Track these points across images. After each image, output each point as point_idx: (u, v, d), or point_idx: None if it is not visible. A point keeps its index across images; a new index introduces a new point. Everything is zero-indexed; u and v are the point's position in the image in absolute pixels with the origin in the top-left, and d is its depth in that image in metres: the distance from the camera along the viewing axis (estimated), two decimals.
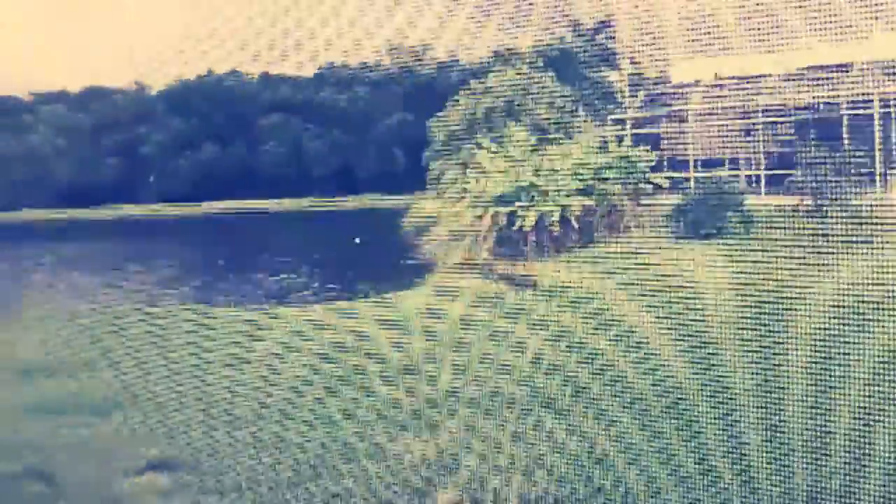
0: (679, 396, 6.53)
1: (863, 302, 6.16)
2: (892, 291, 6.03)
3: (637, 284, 7.97)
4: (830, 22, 6.76)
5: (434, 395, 7.21)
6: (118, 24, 10.85)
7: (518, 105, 10.19)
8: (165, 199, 11.99)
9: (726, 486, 5.92)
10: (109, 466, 6.60)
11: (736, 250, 7.91)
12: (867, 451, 5.66)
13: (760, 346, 6.44)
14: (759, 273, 7.35)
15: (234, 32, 10.52)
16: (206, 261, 11.00)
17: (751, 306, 7.06)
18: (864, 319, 6.13)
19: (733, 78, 9.34)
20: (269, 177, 11.81)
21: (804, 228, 7.01)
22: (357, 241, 9.49)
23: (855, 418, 5.79)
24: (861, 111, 8.27)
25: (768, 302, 6.99)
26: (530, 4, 9.42)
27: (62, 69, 12.03)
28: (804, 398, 6.04)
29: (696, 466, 6.14)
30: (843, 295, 6.32)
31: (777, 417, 6.19)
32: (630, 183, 9.50)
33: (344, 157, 11.76)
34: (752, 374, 6.59)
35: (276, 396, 7.34)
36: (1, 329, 9.58)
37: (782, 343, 6.60)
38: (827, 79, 8.39)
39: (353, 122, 11.82)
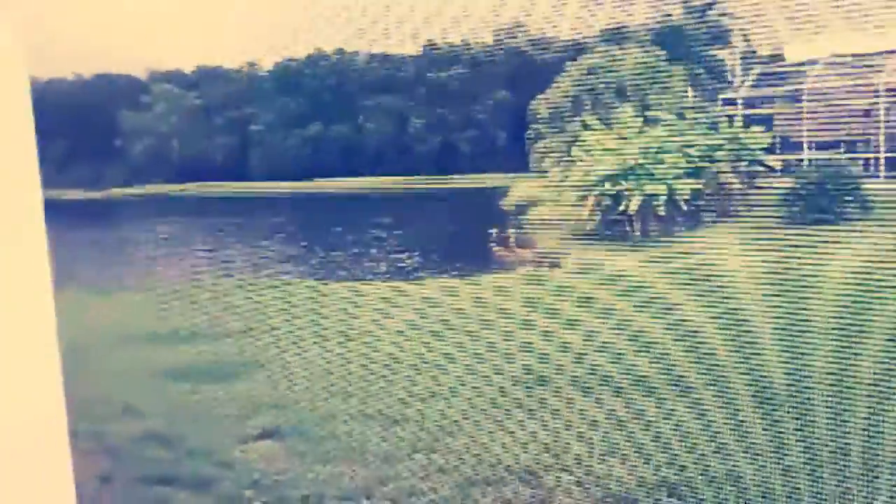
0: (795, 389, 6.37)
1: None
2: None
3: (747, 270, 7.79)
4: None
5: (531, 376, 7.22)
6: (228, 4, 11.14)
7: (626, 84, 10.04)
8: (274, 177, 12.32)
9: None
10: (226, 431, 6.87)
11: (852, 236, 7.63)
12: None
13: (882, 338, 6.22)
14: (877, 260, 7.09)
15: (341, 11, 10.66)
16: (318, 238, 11.25)
17: (869, 293, 6.83)
18: None
19: (851, 55, 8.97)
20: (373, 155, 11.99)
21: None
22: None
23: None
24: None
25: (888, 289, 6.74)
26: None
27: (176, 49, 12.46)
28: None
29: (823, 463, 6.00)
30: None
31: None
32: (741, 164, 9.26)
33: (447, 135, 11.83)
34: (872, 366, 6.37)
35: (397, 370, 7.50)
36: (127, 299, 10.04)
37: None
38: None
39: (457, 101, 11.86)
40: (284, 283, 9.94)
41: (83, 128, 12.49)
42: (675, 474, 6.02)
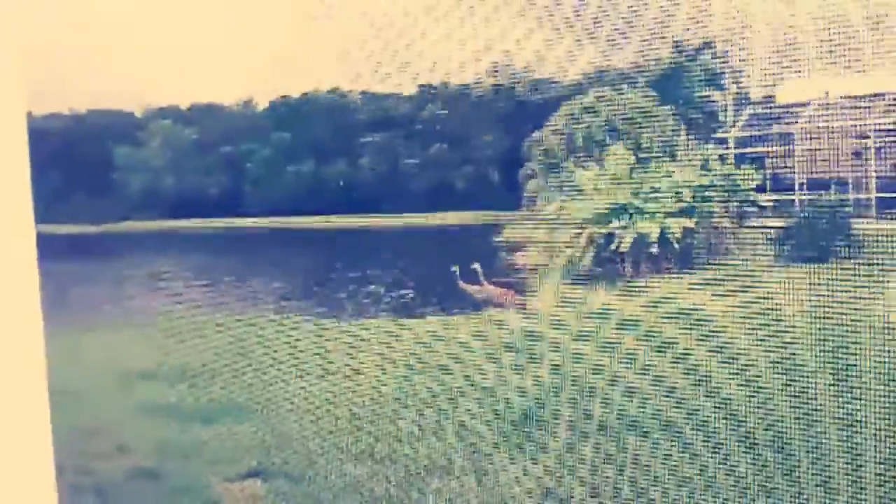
0: (783, 427, 6.35)
1: None
2: None
3: (739, 308, 7.81)
4: None
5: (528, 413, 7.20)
6: (226, 41, 11.25)
7: (618, 124, 10.11)
8: (268, 212, 12.35)
9: None
10: (210, 470, 6.85)
11: (843, 275, 7.65)
12: None
13: (871, 377, 6.19)
14: (867, 298, 7.08)
15: (337, 51, 10.76)
16: (314, 274, 11.27)
17: (857, 332, 6.82)
18: None
19: (842, 97, 9.06)
20: (367, 193, 12.03)
21: None
22: (455, 269, 9.60)
23: None
24: None
25: (878, 328, 6.74)
26: (630, 24, 9.35)
27: (172, 85, 12.56)
28: None
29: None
30: None
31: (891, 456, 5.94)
32: (733, 203, 9.30)
33: (441, 174, 11.89)
34: (863, 406, 6.35)
35: (385, 407, 7.49)
36: (117, 336, 10.03)
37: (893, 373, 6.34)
38: None
39: (451, 140, 11.93)
40: (278, 321, 9.93)
41: (79, 162, 12.56)
42: None
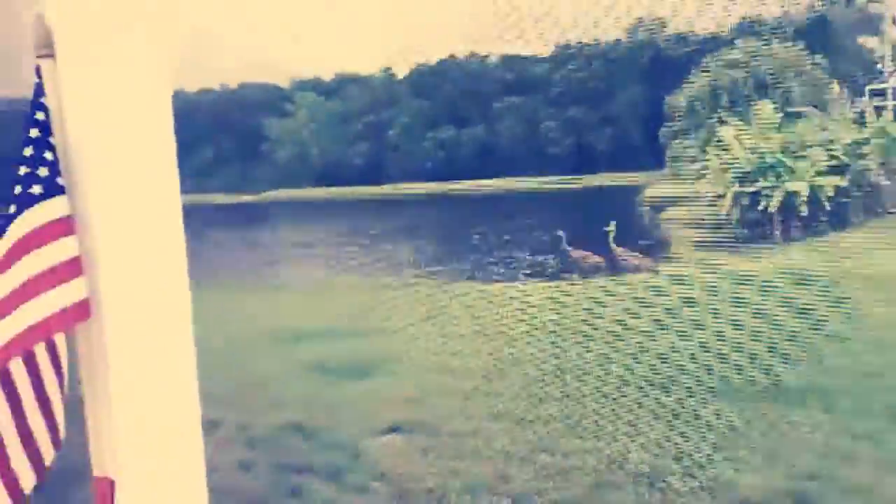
0: None
1: None
2: None
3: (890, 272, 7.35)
4: None
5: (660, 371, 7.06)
6: (364, 11, 11.46)
7: (766, 78, 9.64)
8: (409, 178, 12.57)
9: None
10: (356, 425, 7.07)
11: None
12: None
13: None
14: None
15: (472, 14, 10.76)
16: (457, 238, 11.40)
17: None
18: None
19: None
20: (506, 156, 12.03)
21: None
22: (611, 227, 9.47)
23: None
24: None
25: None
26: None
27: (316, 57, 12.94)
28: None
29: None
30: None
31: None
32: (891, 160, 8.72)
33: (580, 135, 11.72)
34: None
35: (526, 370, 7.55)
36: (275, 296, 10.50)
37: None
38: None
39: (590, 100, 11.73)
40: (419, 284, 10.13)
41: (230, 134, 13.16)
42: (804, 483, 5.74)
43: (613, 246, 9.57)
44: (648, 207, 10.69)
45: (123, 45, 1.85)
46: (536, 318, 8.72)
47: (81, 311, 1.85)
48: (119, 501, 1.97)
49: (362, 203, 12.80)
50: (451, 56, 12.59)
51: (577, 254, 9.89)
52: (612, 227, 9.50)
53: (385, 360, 8.27)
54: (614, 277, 9.29)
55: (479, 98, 12.37)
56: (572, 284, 9.39)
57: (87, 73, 1.84)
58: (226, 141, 12.99)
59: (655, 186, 10.94)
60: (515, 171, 11.75)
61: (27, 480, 1.94)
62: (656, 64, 10.85)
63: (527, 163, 11.73)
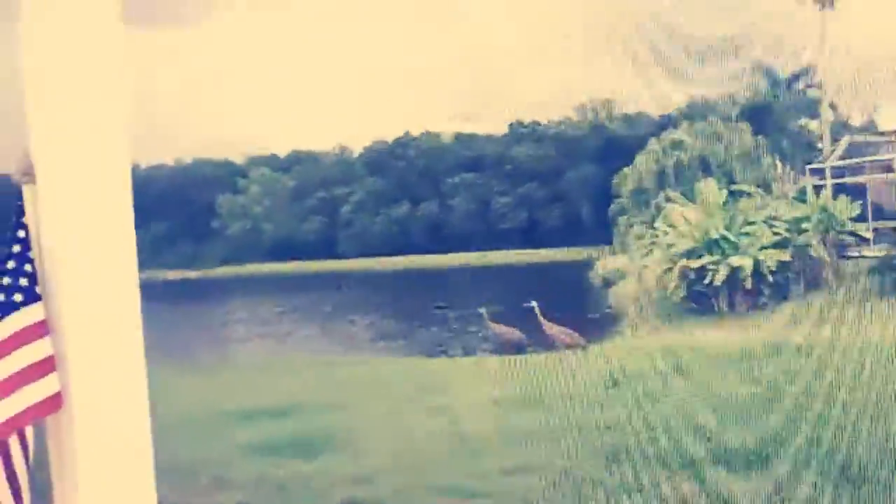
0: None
1: None
2: None
3: (840, 342, 7.54)
4: None
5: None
6: (321, 91, 11.65)
7: (710, 158, 10.00)
8: (362, 254, 12.65)
9: None
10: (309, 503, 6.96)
11: None
12: None
13: None
14: None
15: (429, 94, 11.03)
16: (414, 313, 11.37)
17: None
18: None
19: None
20: (459, 231, 12.20)
21: None
22: (533, 304, 9.46)
23: None
24: None
25: None
26: (719, 54, 9.28)
27: (271, 135, 13.07)
28: None
29: None
30: None
31: None
32: (830, 235, 9.05)
33: (531, 211, 11.96)
34: None
35: (467, 443, 7.52)
36: (222, 376, 10.37)
37: None
38: None
39: (541, 177, 12.01)
40: (370, 361, 10.11)
41: (183, 210, 13.16)
42: None
43: (543, 321, 9.50)
44: (598, 282, 10.89)
45: (91, 169, 2.07)
46: (489, 391, 8.75)
47: (55, 402, 1.98)
48: None
49: (314, 278, 12.84)
50: (407, 134, 12.85)
51: (498, 329, 9.87)
52: (534, 304, 9.38)
53: (336, 438, 8.20)
54: (553, 353, 9.33)
55: (433, 175, 12.60)
56: (536, 356, 9.44)
57: (61, 195, 2.05)
58: (178, 216, 13.01)
59: (604, 261, 11.17)
60: (468, 246, 11.93)
61: None
62: (605, 144, 11.20)
63: (479, 238, 11.94)
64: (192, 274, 12.92)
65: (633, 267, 10.39)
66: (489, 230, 12.15)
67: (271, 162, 13.81)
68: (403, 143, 12.96)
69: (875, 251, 8.74)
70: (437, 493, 6.99)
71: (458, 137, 12.62)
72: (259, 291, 12.72)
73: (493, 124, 11.77)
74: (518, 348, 9.62)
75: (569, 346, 9.37)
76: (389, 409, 8.59)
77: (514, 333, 9.78)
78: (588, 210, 11.60)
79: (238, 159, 13.74)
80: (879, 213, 9.01)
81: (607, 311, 10.59)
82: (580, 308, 10.94)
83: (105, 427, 2.13)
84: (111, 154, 2.16)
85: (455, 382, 8.98)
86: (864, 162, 9.34)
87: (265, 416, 8.84)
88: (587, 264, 10.98)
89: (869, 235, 8.78)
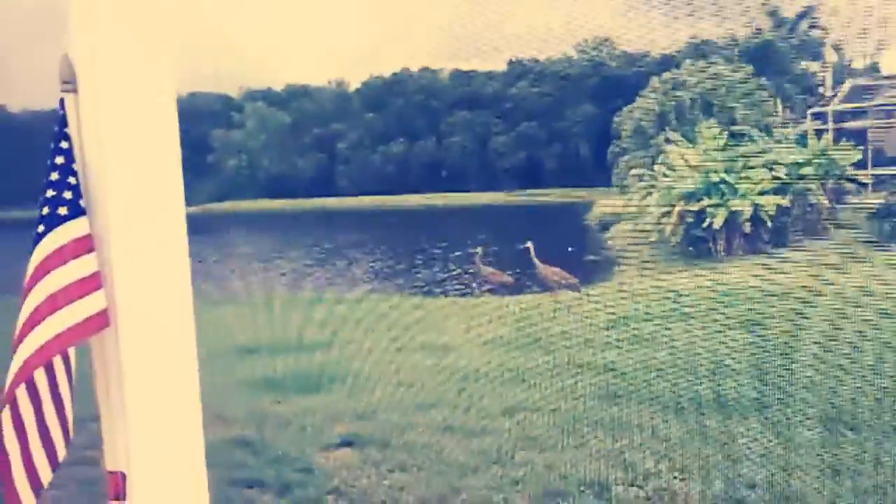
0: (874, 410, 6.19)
1: None
2: None
3: (835, 288, 7.59)
4: None
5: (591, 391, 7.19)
6: (319, 23, 11.46)
7: (711, 99, 9.93)
8: (359, 192, 12.60)
9: None
10: (308, 439, 7.03)
11: None
12: None
13: None
14: None
15: (427, 30, 10.86)
16: (413, 252, 11.37)
17: None
18: None
19: None
20: (456, 170, 12.15)
21: None
22: (528, 244, 9.47)
23: None
24: None
25: None
26: None
27: (268, 68, 12.89)
28: None
29: None
30: None
31: None
32: (830, 180, 9.05)
33: (529, 151, 11.90)
34: None
35: (469, 384, 7.58)
36: (223, 311, 10.38)
37: None
38: None
39: (540, 117, 11.92)
40: (367, 297, 10.13)
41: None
42: (745, 493, 5.91)
43: (536, 262, 9.56)
44: (596, 224, 10.90)
45: (134, 78, 2.05)
46: (487, 331, 8.81)
47: (101, 320, 1.99)
48: (130, 493, 2.16)
49: (311, 215, 12.78)
50: (405, 70, 12.70)
51: (486, 271, 9.92)
52: (529, 244, 9.46)
53: (336, 375, 8.25)
54: (549, 293, 9.38)
55: (430, 112, 12.49)
56: (532, 296, 9.48)
57: (103, 105, 2.03)
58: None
59: (603, 203, 11.17)
60: (465, 186, 11.88)
61: (45, 474, 2.14)
62: (606, 83, 11.10)
63: (477, 177, 11.88)
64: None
65: (631, 209, 10.38)
66: (487, 169, 12.10)
67: (267, 96, 13.66)
68: (401, 79, 12.81)
69: (874, 198, 8.75)
70: (436, 430, 7.07)
71: (457, 75, 12.47)
72: (257, 227, 12.67)
73: (493, 62, 11.64)
74: (508, 291, 9.66)
75: (561, 287, 9.42)
76: (388, 346, 8.65)
77: (503, 277, 9.82)
78: (587, 150, 11.54)
79: (234, 93, 13.59)
80: (879, 158, 9.00)
81: (604, 252, 10.61)
82: (577, 249, 10.97)
83: (151, 347, 2.13)
84: (156, 66, 2.11)
85: (454, 321, 9.03)
86: (867, 107, 9.28)
87: (265, 352, 8.88)
88: (585, 206, 10.98)
89: (869, 181, 8.78)
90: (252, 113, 13.47)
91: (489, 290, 9.53)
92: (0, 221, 10.23)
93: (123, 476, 2.14)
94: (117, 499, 2.14)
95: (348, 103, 13.07)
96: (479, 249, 9.92)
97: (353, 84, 13.07)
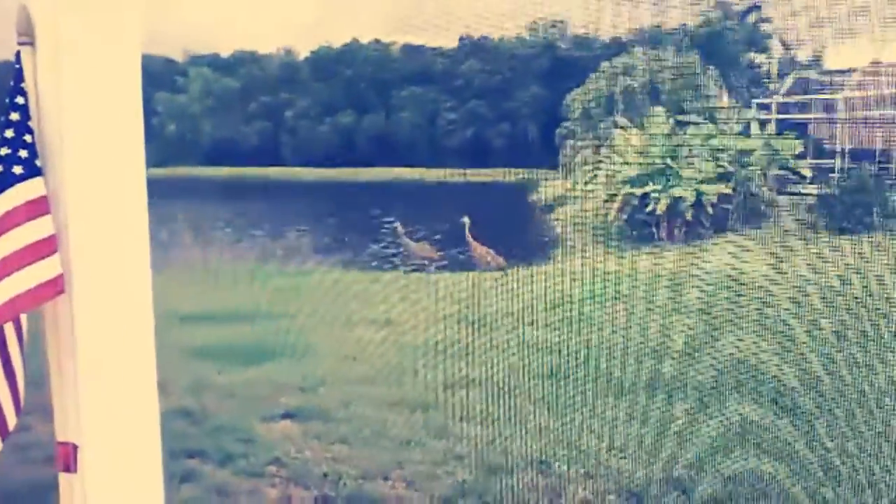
0: (813, 396, 6.38)
1: None
2: None
3: (772, 276, 7.78)
4: None
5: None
6: None
7: (659, 85, 10.04)
8: (305, 163, 12.44)
9: None
10: (250, 410, 6.98)
11: (880, 248, 7.61)
12: None
13: None
14: None
15: (379, 1, 10.75)
16: (358, 226, 11.29)
17: (889, 306, 6.82)
18: None
19: (891, 64, 8.91)
20: (404, 145, 12.08)
21: None
22: (465, 220, 9.53)
23: None
24: None
25: None
26: None
27: (215, 33, 12.62)
28: None
29: None
30: None
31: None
32: (771, 170, 9.25)
33: (477, 129, 11.89)
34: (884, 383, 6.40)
35: (409, 357, 7.60)
36: (168, 279, 10.19)
37: None
38: None
39: (489, 95, 11.91)
40: (312, 271, 10.06)
41: None
42: (683, 472, 6.06)
43: (470, 240, 9.64)
44: (542, 205, 10.97)
45: (94, 30, 1.96)
46: (427, 306, 8.83)
47: (56, 286, 1.91)
48: (82, 464, 2.09)
49: (255, 185, 12.59)
50: (355, 40, 12.55)
51: (415, 246, 9.96)
52: (466, 220, 9.56)
53: (277, 347, 8.20)
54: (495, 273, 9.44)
55: (380, 85, 12.38)
56: (479, 274, 9.52)
57: (61, 59, 1.94)
58: None
59: (548, 185, 11.25)
60: (413, 161, 11.83)
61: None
62: (556, 65, 11.14)
63: (424, 152, 11.83)
64: None
65: (576, 192, 10.47)
66: (435, 145, 12.06)
67: (212, 62, 13.37)
68: (351, 49, 12.65)
69: (812, 189, 8.96)
70: (380, 404, 7.09)
71: (408, 49, 12.36)
72: (199, 195, 12.41)
73: (444, 38, 11.57)
74: (432, 265, 9.69)
75: (489, 267, 9.48)
76: (332, 319, 8.61)
77: (426, 250, 9.84)
78: (535, 131, 11.57)
79: (178, 56, 13.27)
80: (819, 151, 9.21)
81: (548, 234, 10.69)
82: (520, 230, 11.03)
83: (106, 314, 2.07)
84: (120, 19, 2.01)
85: (400, 296, 9.03)
86: (810, 99, 9.48)
87: (207, 322, 8.77)
88: (531, 186, 11.02)
89: (808, 173, 8.99)
90: (196, 77, 13.20)
91: (448, 266, 9.55)
92: None
93: (75, 447, 2.08)
94: (67, 470, 2.09)
95: (297, 72, 12.88)
96: (398, 224, 9.91)
97: (303, 53, 12.90)
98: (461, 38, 11.50)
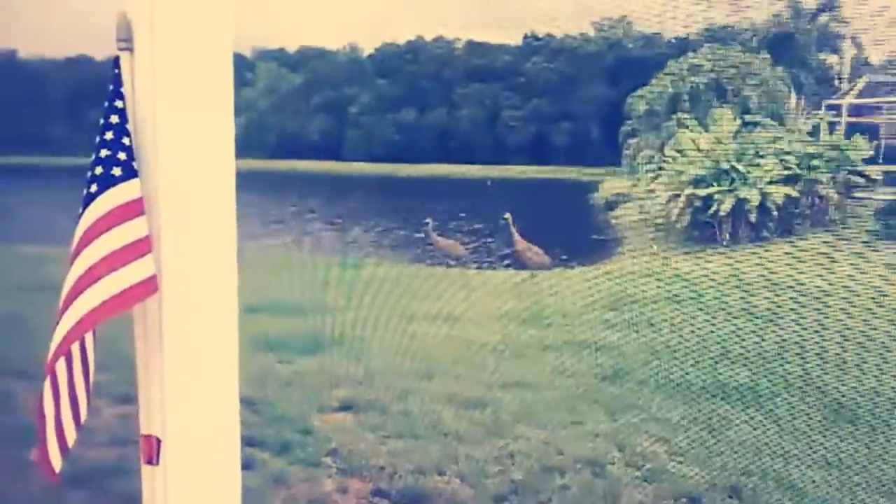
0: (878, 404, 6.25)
1: None
2: None
3: (838, 283, 7.62)
4: None
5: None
6: None
7: (726, 85, 9.91)
8: (368, 158, 12.57)
9: None
10: (308, 401, 7.08)
11: None
12: None
13: None
14: None
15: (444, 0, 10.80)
16: (418, 221, 11.35)
17: None
18: None
19: None
20: (465, 142, 12.12)
21: None
22: (507, 216, 9.28)
23: None
24: None
25: None
26: None
27: (280, 29, 12.80)
28: None
29: None
30: None
31: None
32: (840, 174, 9.06)
33: (540, 127, 11.87)
34: None
35: (480, 355, 7.64)
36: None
37: None
38: None
39: (553, 93, 11.88)
40: (373, 263, 10.16)
41: None
42: (742, 479, 5.99)
43: (515, 236, 9.48)
44: (603, 204, 10.90)
45: (189, 34, 2.03)
46: (491, 303, 8.85)
47: (150, 286, 1.99)
48: (165, 457, 2.21)
49: (318, 178, 12.75)
50: (419, 38, 12.62)
51: (442, 242, 9.88)
52: (508, 216, 9.38)
53: (339, 339, 8.29)
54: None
55: (443, 82, 12.43)
56: (531, 274, 9.52)
57: (157, 64, 2.02)
58: None
59: (610, 183, 11.16)
60: (473, 158, 11.87)
61: (71, 437, 2.17)
62: (621, 63, 11.06)
63: (486, 150, 11.86)
64: None
65: (638, 191, 10.39)
66: (497, 143, 12.07)
67: (279, 57, 13.56)
68: (415, 47, 12.73)
69: (883, 194, 8.76)
70: (435, 399, 7.12)
71: (471, 46, 12.39)
72: (261, 188, 12.61)
73: (508, 35, 11.57)
74: (459, 262, 9.62)
75: (534, 265, 9.38)
76: (392, 313, 8.68)
77: (455, 248, 9.80)
78: (598, 129, 11.51)
79: (246, 52, 13.48)
80: (891, 155, 8.99)
81: (608, 233, 10.64)
82: (581, 229, 10.98)
83: (194, 313, 2.15)
84: (213, 25, 2.08)
85: (461, 292, 9.07)
86: (881, 102, 9.27)
87: (269, 313, 8.90)
88: (592, 185, 10.97)
89: (879, 177, 8.79)
90: (263, 72, 13.40)
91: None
92: (2, 166, 10.21)
93: (158, 441, 2.17)
94: (150, 463, 2.18)
95: (361, 68, 13.00)
96: (429, 220, 9.84)
97: (367, 50, 13.02)
98: (525, 36, 11.49)
